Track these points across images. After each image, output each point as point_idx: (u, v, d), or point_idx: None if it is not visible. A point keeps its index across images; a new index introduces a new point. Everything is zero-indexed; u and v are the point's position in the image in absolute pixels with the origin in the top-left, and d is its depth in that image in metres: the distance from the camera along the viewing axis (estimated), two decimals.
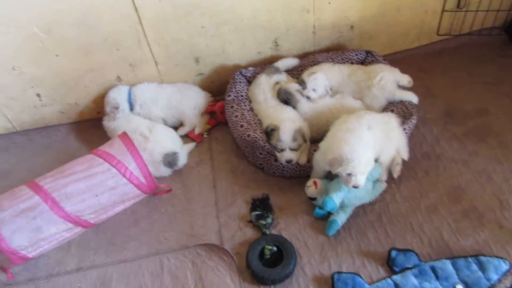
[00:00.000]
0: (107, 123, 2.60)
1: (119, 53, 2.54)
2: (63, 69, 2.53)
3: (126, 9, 2.33)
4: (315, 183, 2.12)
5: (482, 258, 1.86)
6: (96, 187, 2.05)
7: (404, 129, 2.25)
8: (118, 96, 2.58)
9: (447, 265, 1.86)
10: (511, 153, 2.32)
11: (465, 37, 3.02)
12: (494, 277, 1.80)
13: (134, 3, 2.31)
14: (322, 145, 2.11)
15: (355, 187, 1.92)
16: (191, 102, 2.67)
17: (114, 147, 2.14)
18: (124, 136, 2.19)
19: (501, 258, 1.86)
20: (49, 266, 2.11)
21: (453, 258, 1.89)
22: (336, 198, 2.01)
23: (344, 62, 2.68)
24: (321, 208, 2.09)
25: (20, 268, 2.10)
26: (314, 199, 2.14)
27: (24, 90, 2.60)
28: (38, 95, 2.64)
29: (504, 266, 1.82)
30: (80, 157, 2.18)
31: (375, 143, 2.02)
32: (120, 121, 2.55)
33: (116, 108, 2.54)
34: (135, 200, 2.24)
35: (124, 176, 2.07)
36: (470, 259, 1.87)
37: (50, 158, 2.61)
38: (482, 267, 1.83)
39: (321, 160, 2.11)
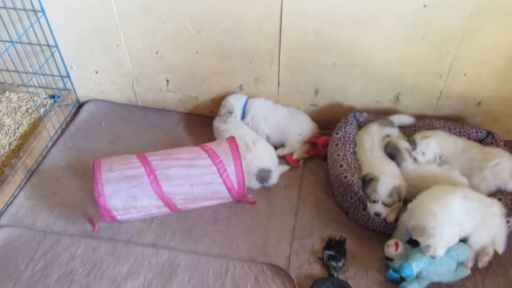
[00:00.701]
0: (218, 123, 2.79)
1: (250, 65, 2.72)
2: (198, 65, 2.78)
3: (273, 29, 2.51)
4: (396, 244, 2.09)
5: None
6: (194, 178, 2.21)
7: (508, 221, 2.13)
8: (236, 102, 2.77)
9: None
10: None
11: None
12: None
13: (281, 26, 2.49)
14: (410, 206, 2.09)
15: (432, 257, 1.89)
16: (298, 128, 2.77)
17: (221, 147, 2.30)
18: (232, 140, 2.35)
19: None
20: (129, 233, 2.29)
21: None
22: (415, 266, 1.97)
23: (461, 136, 2.62)
24: (396, 271, 2.05)
25: (105, 225, 2.31)
26: (390, 259, 2.11)
27: (157, 73, 2.89)
28: (168, 80, 2.92)
29: None
30: (187, 147, 2.37)
31: (467, 221, 1.96)
32: (229, 125, 2.73)
33: (231, 112, 2.72)
34: (221, 201, 2.37)
35: (221, 176, 2.21)
36: None
37: (158, 138, 2.86)
38: None
39: (406, 222, 2.09)
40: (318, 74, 2.71)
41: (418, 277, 2.01)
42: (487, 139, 2.62)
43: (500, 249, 2.09)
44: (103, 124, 2.98)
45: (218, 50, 2.68)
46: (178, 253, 2.19)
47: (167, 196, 2.18)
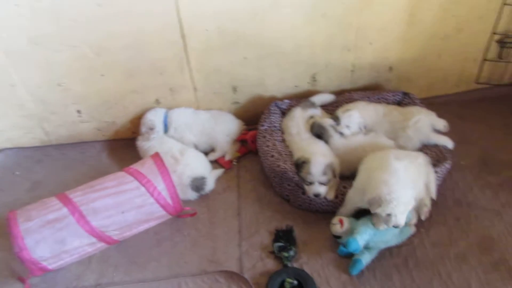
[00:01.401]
0: (141, 143, 2.69)
1: (162, 77, 2.65)
2: (106, 88, 2.66)
3: (174, 37, 2.46)
4: (341, 221, 2.11)
5: None
6: (123, 204, 2.10)
7: (437, 172, 2.22)
8: (155, 118, 2.68)
9: None
10: None
11: (504, 87, 3.01)
12: None
13: (182, 31, 2.44)
14: (357, 183, 2.12)
15: (395, 226, 1.91)
16: (224, 129, 2.74)
17: (146, 166, 2.21)
18: (156, 157, 2.26)
19: None
20: (67, 279, 2.13)
21: None
22: (360, 240, 1.99)
23: (380, 102, 2.71)
24: (345, 246, 2.07)
25: (38, 280, 2.12)
26: (338, 237, 2.12)
27: (66, 106, 2.73)
28: (79, 111, 2.78)
29: None
30: (110, 174, 2.25)
31: (412, 179, 2.01)
32: (153, 142, 2.64)
33: (152, 129, 2.63)
34: (160, 221, 2.28)
35: (152, 195, 2.12)
36: None
37: (81, 173, 2.70)
38: None
39: (354, 198, 2.11)
40: (232, 72, 2.69)
41: (367, 247, 2.04)
42: (404, 100, 2.74)
43: (434, 195, 2.16)
44: (17, 173, 2.77)
45: (123, 69, 2.58)
46: (125, 286, 2.07)
47: (98, 230, 2.06)
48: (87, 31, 2.38)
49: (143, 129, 2.68)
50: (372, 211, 1.95)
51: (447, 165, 2.31)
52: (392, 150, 2.18)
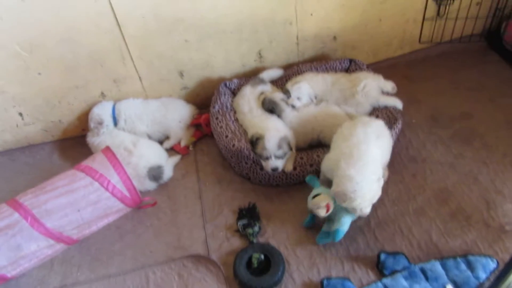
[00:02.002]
0: (91, 139, 2.61)
1: (103, 69, 2.56)
2: (46, 87, 2.55)
3: (109, 26, 2.37)
4: (328, 206, 1.97)
5: (471, 258, 1.87)
6: (78, 202, 2.03)
7: (391, 134, 2.27)
8: (102, 111, 2.59)
9: (437, 266, 1.86)
10: (495, 154, 2.35)
11: (446, 44, 3.09)
12: (483, 275, 1.81)
13: (116, 20, 2.35)
14: (331, 157, 2.04)
15: (361, 216, 1.93)
16: (176, 115, 2.69)
17: (96, 161, 2.14)
18: (107, 150, 2.20)
19: (489, 256, 1.88)
20: (30, 285, 2.07)
21: (442, 259, 1.90)
22: (346, 229, 1.97)
23: (328, 71, 2.73)
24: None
25: None
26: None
27: (5, 110, 2.60)
28: (21, 114, 2.65)
29: (492, 265, 1.83)
30: (61, 174, 2.17)
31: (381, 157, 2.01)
32: (104, 136, 2.56)
33: (100, 123, 2.55)
34: (120, 214, 2.23)
35: (106, 189, 2.07)
36: (459, 259, 1.87)
37: (34, 177, 2.57)
38: (470, 266, 1.84)
39: (326, 169, 2.06)
40: (175, 57, 2.63)
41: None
42: (351, 67, 2.78)
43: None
44: None
45: (61, 65, 2.47)
46: (91, 284, 2.03)
47: (55, 231, 1.99)
48: (14, 29, 2.26)
49: (91, 124, 2.59)
50: (337, 203, 1.91)
51: (399, 125, 2.37)
52: (372, 124, 2.10)
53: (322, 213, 1.95)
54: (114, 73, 2.61)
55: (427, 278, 1.83)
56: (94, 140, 2.58)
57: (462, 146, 2.43)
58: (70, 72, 2.51)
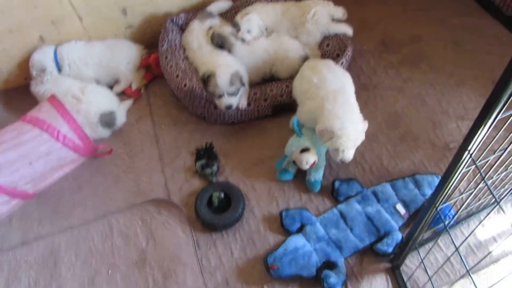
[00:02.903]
0: (35, 88, 2.47)
1: (37, 10, 2.37)
2: None
3: None
4: (314, 163, 1.96)
5: (418, 177, 1.98)
6: (29, 155, 1.96)
7: (342, 63, 2.27)
8: (43, 57, 2.43)
9: (387, 188, 1.97)
10: (442, 76, 2.42)
11: None
12: (429, 192, 1.93)
13: None
14: (310, 107, 2.00)
15: (342, 162, 1.90)
16: (124, 57, 2.56)
17: (43, 111, 2.05)
18: (53, 99, 2.10)
19: (434, 174, 2.00)
20: None
21: (392, 180, 2.00)
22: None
23: (277, 0, 2.64)
24: (287, 171, 2.09)
25: None
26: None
27: None
28: None
29: (437, 181, 1.93)
30: (6, 127, 2.07)
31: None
32: (48, 84, 2.43)
33: (43, 70, 2.41)
34: (75, 165, 2.18)
35: (57, 140, 2.00)
36: (407, 179, 1.99)
37: None
38: (417, 184, 1.96)
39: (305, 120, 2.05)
40: None
41: None
42: None
43: None
44: None
45: None
46: (54, 237, 2.02)
47: (8, 187, 1.93)
48: None
49: (33, 72, 2.44)
50: (322, 142, 1.89)
51: (349, 52, 2.36)
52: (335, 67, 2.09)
53: (307, 167, 1.96)
54: (51, 14, 2.42)
55: (378, 200, 1.94)
56: (39, 89, 2.45)
57: (410, 69, 2.48)
58: (1, 14, 2.31)
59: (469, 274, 1.16)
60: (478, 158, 1.10)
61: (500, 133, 1.11)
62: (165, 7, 2.66)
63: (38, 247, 1.99)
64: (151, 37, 2.71)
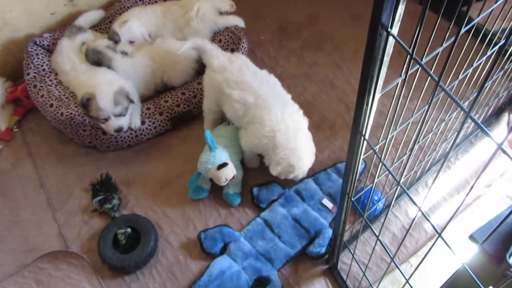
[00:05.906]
0: None
1: None
2: None
3: None
4: (234, 176, 1.95)
5: (339, 165, 2.03)
6: None
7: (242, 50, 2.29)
8: None
9: (310, 183, 2.00)
10: (346, 55, 2.52)
11: None
12: None
13: None
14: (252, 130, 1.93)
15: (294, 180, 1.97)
16: None
17: None
18: None
19: None
20: None
21: (314, 175, 2.03)
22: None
23: (156, 1, 2.61)
24: (201, 189, 2.06)
25: None
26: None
27: None
28: None
29: (361, 166, 2.00)
30: None
31: None
32: None
33: None
34: None
35: None
36: (329, 170, 2.03)
37: None
38: (340, 173, 2.01)
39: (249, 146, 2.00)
40: None
41: None
42: None
43: None
44: None
45: None
46: None
47: None
48: None
49: None
50: (282, 177, 1.92)
51: (244, 44, 2.37)
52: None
53: (226, 183, 1.95)
54: None
55: (303, 199, 1.96)
56: None
57: (314, 53, 2.55)
58: None
59: (394, 262, 1.18)
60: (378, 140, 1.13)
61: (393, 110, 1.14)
62: (24, 29, 2.52)
63: None
64: (15, 66, 2.54)
